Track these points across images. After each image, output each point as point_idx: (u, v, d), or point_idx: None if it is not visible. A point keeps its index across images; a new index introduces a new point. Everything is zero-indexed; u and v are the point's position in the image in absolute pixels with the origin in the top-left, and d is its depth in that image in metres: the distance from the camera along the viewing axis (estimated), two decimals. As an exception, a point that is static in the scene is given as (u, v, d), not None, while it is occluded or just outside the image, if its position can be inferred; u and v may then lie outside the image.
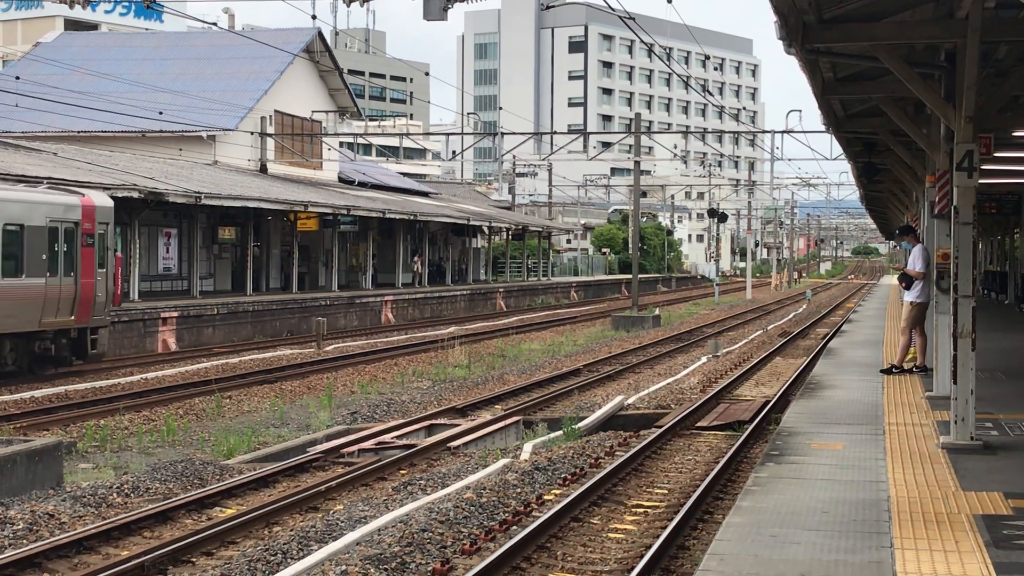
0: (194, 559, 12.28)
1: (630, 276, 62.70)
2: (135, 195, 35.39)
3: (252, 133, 58.48)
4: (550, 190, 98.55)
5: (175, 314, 35.96)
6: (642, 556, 11.71)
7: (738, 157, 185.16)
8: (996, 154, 18.30)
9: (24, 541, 12.71)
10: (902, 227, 22.59)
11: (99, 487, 15.13)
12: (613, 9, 24.94)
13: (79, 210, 27.68)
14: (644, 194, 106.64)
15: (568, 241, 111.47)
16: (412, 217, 56.49)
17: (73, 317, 27.47)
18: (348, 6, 30.05)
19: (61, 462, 15.90)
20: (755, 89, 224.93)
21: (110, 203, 29.43)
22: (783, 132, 53.37)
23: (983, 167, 14.13)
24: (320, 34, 64.78)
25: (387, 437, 19.46)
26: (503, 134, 56.65)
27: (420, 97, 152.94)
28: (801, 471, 12.22)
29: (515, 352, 36.78)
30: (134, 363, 31.18)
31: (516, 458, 17.18)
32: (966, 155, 13.28)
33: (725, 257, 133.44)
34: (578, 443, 18.59)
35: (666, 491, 15.41)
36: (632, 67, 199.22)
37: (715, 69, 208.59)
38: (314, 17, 36.04)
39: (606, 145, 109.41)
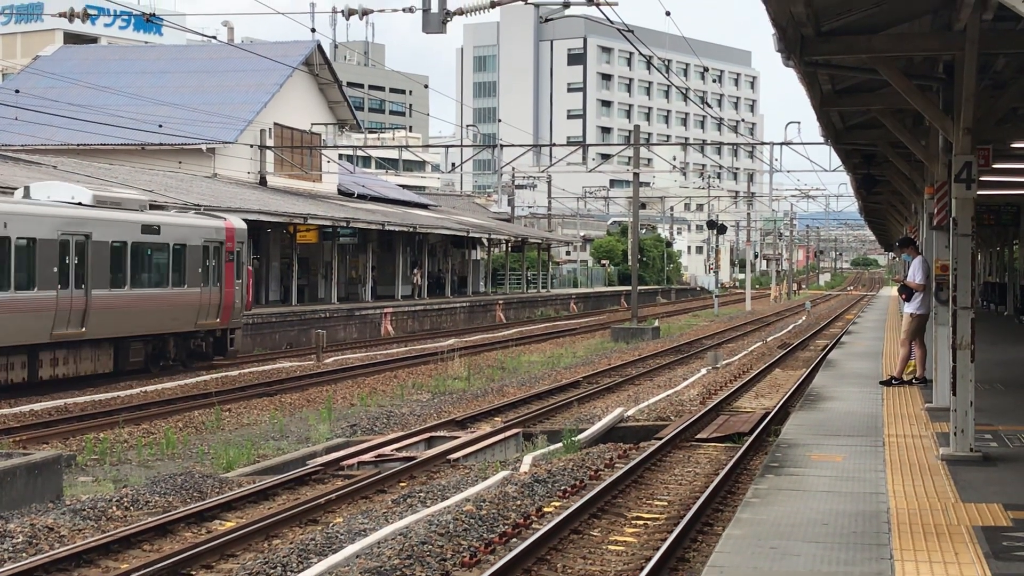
0: (194, 572, 12.27)
1: (629, 288, 62.71)
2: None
3: (252, 146, 58.53)
4: (549, 202, 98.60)
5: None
6: (642, 568, 11.71)
7: (737, 169, 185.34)
8: (995, 166, 18.28)
9: (24, 554, 12.70)
10: (902, 239, 22.61)
11: (99, 500, 15.11)
12: (612, 22, 25.00)
13: (224, 231, 33.82)
14: (643, 206, 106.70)
15: (567, 253, 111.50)
16: (411, 229, 56.50)
17: (219, 320, 33.74)
18: (347, 19, 30.15)
19: (61, 475, 15.90)
20: (754, 101, 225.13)
21: (244, 225, 35.41)
22: (782, 144, 53.42)
23: (982, 179, 14.15)
24: (319, 47, 64.86)
25: (387, 450, 19.46)
26: (502, 146, 56.72)
27: (419, 109, 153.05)
28: (801, 483, 12.22)
29: (515, 364, 36.78)
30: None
31: (516, 470, 17.17)
32: (965, 167, 13.30)
33: (724, 269, 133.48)
34: (578, 455, 18.58)
35: (666, 503, 15.40)
36: (631, 79, 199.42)
37: (714, 81, 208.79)
38: (313, 30, 36.05)
39: (605, 157, 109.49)
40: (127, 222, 30.22)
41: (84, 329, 28.16)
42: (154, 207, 33.33)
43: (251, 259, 39.82)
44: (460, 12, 22.54)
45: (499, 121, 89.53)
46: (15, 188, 30.18)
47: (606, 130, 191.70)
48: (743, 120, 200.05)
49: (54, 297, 27.14)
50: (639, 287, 59.77)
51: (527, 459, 18.15)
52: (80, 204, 29.04)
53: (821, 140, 27.44)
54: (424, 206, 77.05)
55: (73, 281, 27.81)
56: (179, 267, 31.93)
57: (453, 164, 72.10)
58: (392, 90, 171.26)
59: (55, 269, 27.16)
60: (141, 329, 30.94)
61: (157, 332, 31.65)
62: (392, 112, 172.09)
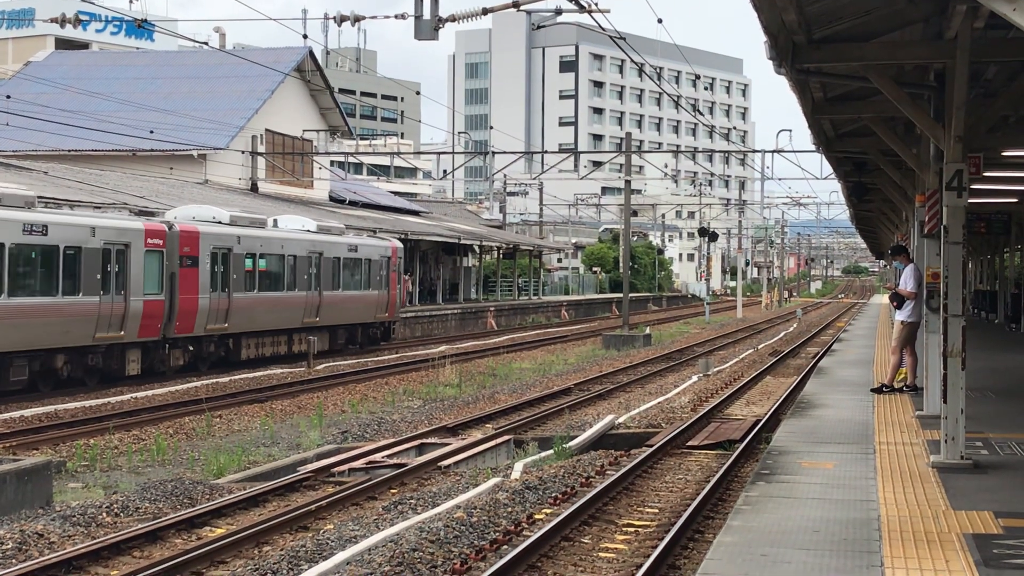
0: (184, 579, 12.24)
1: (621, 295, 62.68)
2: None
3: (243, 152, 58.53)
4: (541, 209, 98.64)
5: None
6: (633, 575, 11.70)
7: (728, 176, 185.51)
8: (985, 174, 18.37)
9: (13, 561, 12.66)
10: (894, 247, 22.65)
11: (89, 506, 15.08)
12: (604, 29, 25.02)
13: (391, 250, 45.62)
14: (635, 213, 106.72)
15: (559, 260, 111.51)
16: (403, 236, 56.46)
17: (387, 314, 45.38)
18: (339, 25, 30.15)
19: (50, 481, 15.86)
20: (745, 108, 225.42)
21: (400, 245, 47.55)
22: (773, 151, 53.53)
23: (973, 187, 14.18)
24: (311, 53, 64.90)
25: (377, 456, 19.43)
26: (494, 153, 56.82)
27: (411, 116, 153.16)
28: (792, 490, 12.22)
29: (506, 371, 36.77)
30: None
31: (507, 477, 17.16)
32: (955, 175, 13.32)
33: (715, 276, 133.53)
34: (569, 462, 18.57)
35: (657, 510, 15.40)
36: (623, 87, 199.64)
37: (705, 89, 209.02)
38: (305, 36, 35.99)
39: (597, 164, 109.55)
40: (340, 243, 41.69)
41: (318, 319, 39.81)
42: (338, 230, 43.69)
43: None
44: (452, 19, 22.55)
45: (491, 128, 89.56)
46: (265, 218, 39.01)
47: (598, 137, 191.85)
48: (735, 128, 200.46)
49: (304, 296, 38.99)
50: (630, 294, 59.77)
51: (518, 466, 18.13)
52: (310, 231, 40.49)
53: (812, 148, 27.49)
54: (416, 213, 77.04)
55: (314, 285, 39.33)
56: (368, 276, 43.35)
57: (445, 171, 72.11)
58: (384, 96, 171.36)
59: (305, 277, 38.86)
60: (347, 319, 42.58)
61: (356, 322, 43.53)
62: (384, 119, 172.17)
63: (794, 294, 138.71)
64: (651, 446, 20.00)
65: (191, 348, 33.71)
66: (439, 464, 18.70)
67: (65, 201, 34.72)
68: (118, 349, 30.48)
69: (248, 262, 35.80)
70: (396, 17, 26.22)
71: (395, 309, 46.06)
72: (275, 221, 39.64)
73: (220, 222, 35.22)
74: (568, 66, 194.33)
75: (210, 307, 33.69)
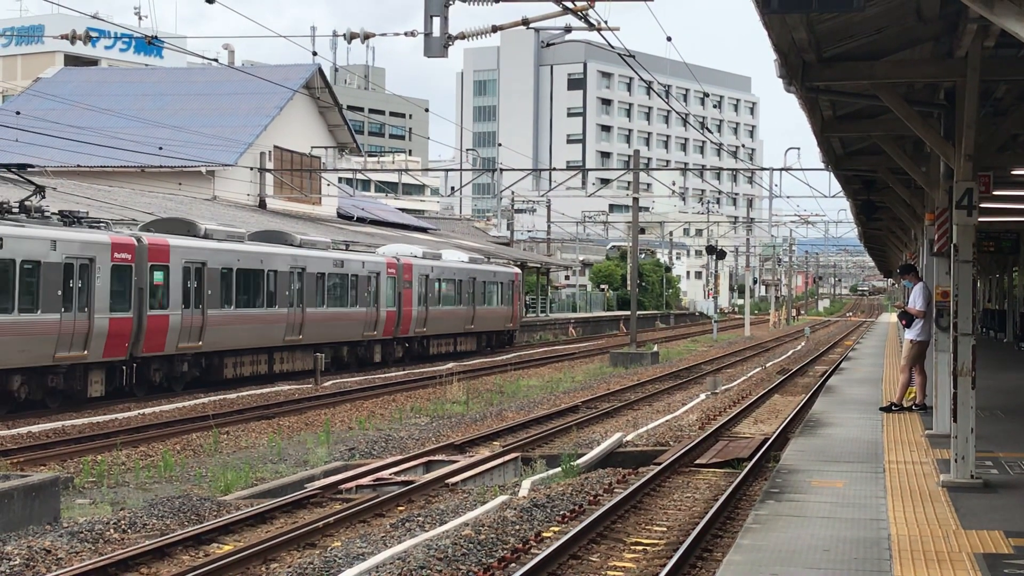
0: (191, 596, 12.20)
1: (628, 313, 62.67)
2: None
3: (251, 168, 58.60)
4: (548, 226, 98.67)
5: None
6: (641, 594, 11.64)
7: (736, 194, 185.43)
8: (995, 192, 18.32)
9: (20, 577, 12.64)
10: (903, 265, 22.63)
11: (96, 523, 15.05)
12: (612, 47, 25.01)
13: (513, 275, 58.39)
14: (642, 231, 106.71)
15: (566, 277, 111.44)
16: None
17: (511, 324, 58.25)
18: (348, 42, 30.16)
19: (58, 497, 15.83)
20: (753, 126, 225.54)
21: (520, 270, 60.90)
22: (781, 169, 53.50)
23: (981, 206, 14.15)
24: (320, 70, 64.99)
25: (385, 473, 19.40)
26: (502, 170, 56.82)
27: (419, 133, 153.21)
28: (802, 509, 12.18)
29: (513, 388, 36.74)
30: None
31: (515, 495, 17.11)
32: (965, 193, 13.30)
33: (723, 294, 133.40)
34: (577, 480, 18.52)
35: (665, 528, 15.34)
36: (631, 104, 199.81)
37: (714, 106, 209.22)
38: (314, 53, 36.07)
39: (604, 182, 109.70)
40: (488, 271, 55.24)
41: (473, 326, 53.12)
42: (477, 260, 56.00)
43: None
44: (462, 36, 22.54)
45: (499, 145, 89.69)
46: (377, 246, 49.42)
47: (606, 155, 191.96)
48: (743, 146, 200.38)
49: (465, 310, 51.80)
50: (638, 312, 59.71)
51: (526, 484, 18.09)
52: (464, 262, 52.94)
53: (821, 166, 27.52)
54: (423, 230, 77.08)
55: (470, 301, 52.15)
56: (500, 294, 56.02)
57: (452, 188, 72.04)
58: (392, 114, 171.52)
59: (467, 295, 51.87)
60: (491, 327, 56.09)
61: (495, 329, 56.83)
62: (392, 136, 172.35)
63: (802, 312, 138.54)
64: (659, 464, 19.94)
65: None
66: (447, 481, 18.66)
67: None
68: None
69: (436, 285, 48.87)
70: (405, 34, 26.22)
71: (517, 320, 59.72)
72: (441, 255, 52.19)
73: (415, 255, 48.07)
74: (576, 84, 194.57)
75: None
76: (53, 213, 29.41)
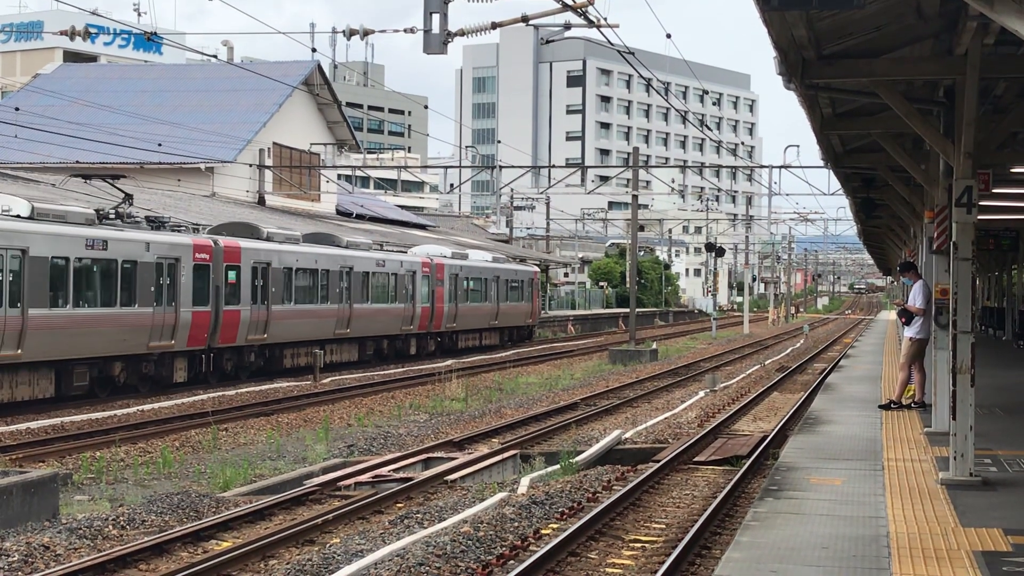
0: (190, 592, 12.20)
1: (627, 310, 62.72)
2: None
3: (250, 165, 58.55)
4: (548, 223, 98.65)
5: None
6: (640, 591, 11.64)
7: (736, 192, 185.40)
8: (994, 190, 18.31)
9: (19, 573, 12.64)
10: (903, 263, 22.62)
11: (95, 519, 15.05)
12: (612, 44, 24.98)
13: (533, 273, 61.57)
14: (642, 228, 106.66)
15: (565, 275, 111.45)
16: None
17: (531, 320, 61.61)
18: (348, 39, 30.15)
19: (57, 494, 15.83)
20: (753, 124, 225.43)
21: (538, 269, 64.98)
22: (781, 167, 53.41)
23: (981, 203, 14.14)
24: (319, 67, 64.98)
25: (384, 470, 19.40)
26: (501, 167, 56.77)
27: (418, 130, 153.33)
28: (800, 506, 12.18)
29: (512, 385, 36.73)
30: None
31: (513, 492, 17.11)
32: (965, 191, 13.29)
33: (722, 292, 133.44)
34: (575, 477, 18.52)
35: (664, 526, 15.34)
36: (630, 101, 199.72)
37: (713, 104, 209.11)
38: (314, 50, 36.02)
39: (604, 179, 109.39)
40: (510, 269, 58.31)
41: (496, 322, 55.99)
42: (498, 260, 58.65)
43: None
44: (461, 33, 22.53)
45: (498, 142, 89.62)
46: (410, 246, 51.71)
47: (605, 152, 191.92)
48: (742, 143, 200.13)
49: (490, 307, 54.96)
50: (637, 309, 59.70)
51: (525, 481, 18.09)
52: (488, 261, 55.50)
53: (820, 163, 27.47)
54: (422, 226, 77.06)
55: (495, 298, 55.08)
56: (521, 291, 58.86)
57: (452, 185, 72.03)
58: (391, 110, 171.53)
59: (492, 292, 54.93)
60: (511, 323, 58.52)
61: (514, 325, 59.07)
62: (391, 132, 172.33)
63: (801, 309, 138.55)
64: (658, 461, 19.94)
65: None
66: (445, 478, 18.66)
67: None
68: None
69: (464, 283, 51.76)
70: (404, 31, 26.20)
71: (536, 315, 63.54)
72: (468, 254, 54.95)
73: (445, 255, 50.97)
74: (575, 81, 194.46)
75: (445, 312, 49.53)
76: (142, 218, 32.30)
